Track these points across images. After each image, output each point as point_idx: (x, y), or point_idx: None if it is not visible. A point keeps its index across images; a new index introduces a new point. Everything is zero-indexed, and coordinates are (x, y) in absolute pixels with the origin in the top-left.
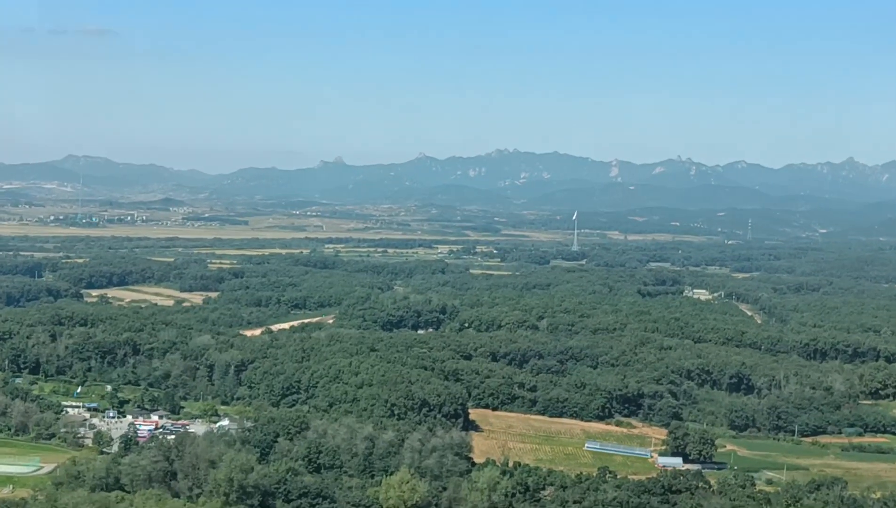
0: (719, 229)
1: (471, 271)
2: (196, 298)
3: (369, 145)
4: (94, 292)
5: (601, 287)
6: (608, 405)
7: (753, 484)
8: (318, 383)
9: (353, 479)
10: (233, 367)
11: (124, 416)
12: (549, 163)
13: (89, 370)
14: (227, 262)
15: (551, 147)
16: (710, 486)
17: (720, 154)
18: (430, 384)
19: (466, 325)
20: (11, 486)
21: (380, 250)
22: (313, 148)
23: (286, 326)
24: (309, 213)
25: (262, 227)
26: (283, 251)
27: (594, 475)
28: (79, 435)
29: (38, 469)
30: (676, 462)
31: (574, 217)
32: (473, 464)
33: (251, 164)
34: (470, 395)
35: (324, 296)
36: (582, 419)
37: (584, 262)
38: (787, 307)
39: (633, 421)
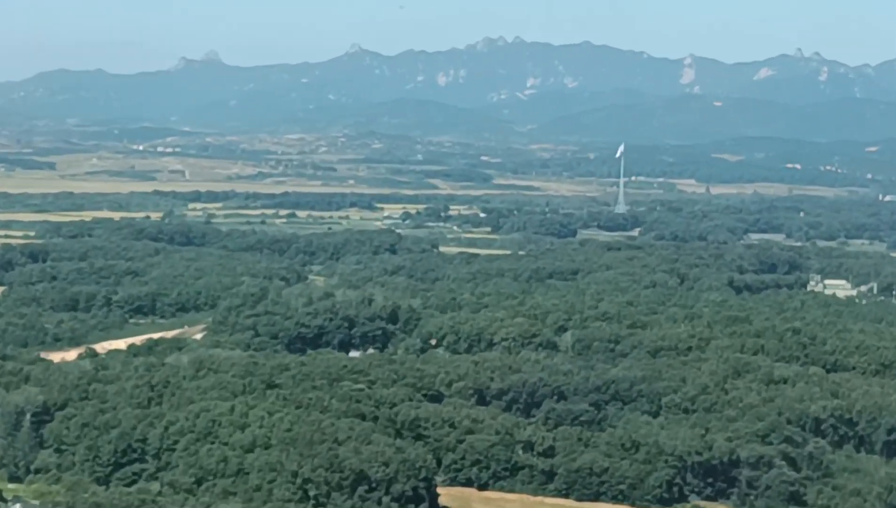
0: (869, 176)
1: (441, 248)
2: None
3: (265, 33)
4: None
5: (666, 276)
6: (678, 479)
7: None
8: (176, 443)
9: None
10: (29, 416)
11: None
12: (576, 61)
13: None
14: (19, 234)
15: (580, 35)
16: None
17: (868, 48)
18: (370, 444)
19: (433, 342)
20: None
21: (284, 212)
22: (168, 39)
23: (121, 344)
24: (161, 149)
25: (81, 173)
26: (117, 216)
27: None
28: None
29: None
30: None
31: (619, 154)
32: None
33: (60, 64)
34: (440, 464)
35: (186, 293)
36: (633, 505)
37: (635, 233)
38: None
39: (722, 507)
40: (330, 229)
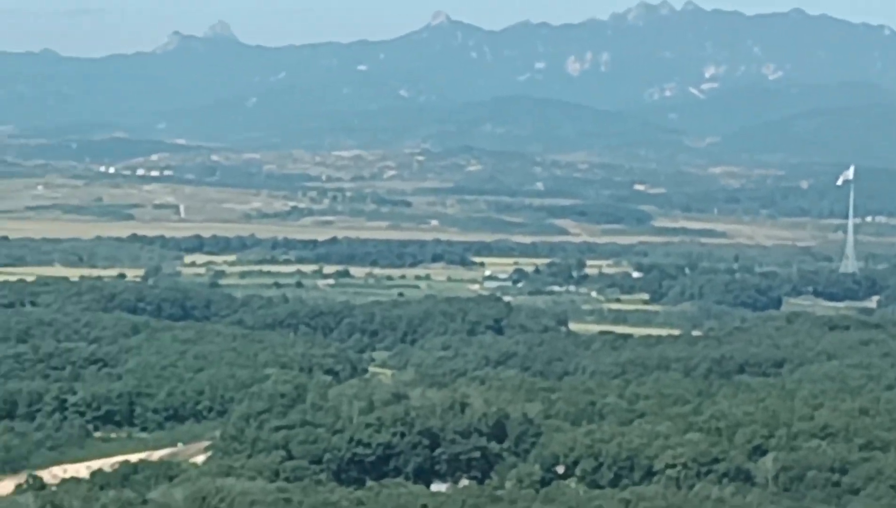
0: None
1: (572, 326)
2: None
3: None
4: None
5: None
6: None
7: None
8: None
9: None
10: None
11: None
12: (781, 40)
13: None
14: None
15: (788, 2)
16: None
17: None
18: None
19: (561, 470)
20: None
21: (331, 270)
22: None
23: (82, 469)
24: (142, 172)
25: (19, 209)
26: (75, 274)
27: None
28: None
29: None
30: None
31: (843, 180)
32: None
33: None
34: None
35: (182, 393)
36: None
37: (873, 304)
38: None
39: None
40: (401, 295)
